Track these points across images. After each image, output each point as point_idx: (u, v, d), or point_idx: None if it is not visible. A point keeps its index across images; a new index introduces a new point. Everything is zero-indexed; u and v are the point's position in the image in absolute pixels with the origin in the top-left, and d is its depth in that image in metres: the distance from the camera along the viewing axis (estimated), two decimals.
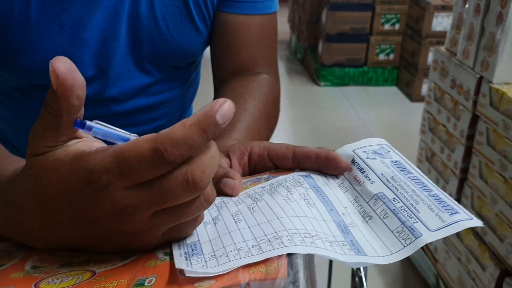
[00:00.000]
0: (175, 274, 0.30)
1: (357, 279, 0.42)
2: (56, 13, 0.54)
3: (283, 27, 4.05)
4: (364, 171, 0.39)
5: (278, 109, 0.69)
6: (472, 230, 1.31)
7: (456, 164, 1.40)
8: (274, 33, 0.69)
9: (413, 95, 3.05)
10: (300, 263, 0.30)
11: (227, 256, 0.31)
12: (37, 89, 0.61)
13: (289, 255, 0.31)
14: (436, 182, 1.52)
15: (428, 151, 1.59)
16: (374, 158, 0.40)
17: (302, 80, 3.45)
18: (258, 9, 0.65)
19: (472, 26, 1.32)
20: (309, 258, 0.32)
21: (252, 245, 0.32)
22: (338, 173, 0.41)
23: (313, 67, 3.40)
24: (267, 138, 0.63)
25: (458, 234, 1.39)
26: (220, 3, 0.64)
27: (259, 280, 0.29)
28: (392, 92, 3.26)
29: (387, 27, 3.14)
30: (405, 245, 0.33)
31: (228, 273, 0.30)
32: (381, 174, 0.39)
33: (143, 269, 0.31)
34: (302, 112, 2.98)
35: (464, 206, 1.37)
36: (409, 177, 0.38)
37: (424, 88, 3.01)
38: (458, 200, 1.41)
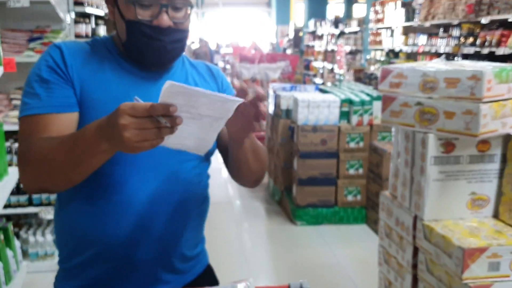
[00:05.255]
0: None
1: None
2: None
3: None
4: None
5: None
6: None
7: None
8: None
9: None
10: None
11: None
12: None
13: None
14: None
15: (386, 280, 1.82)
16: None
17: (280, 220, 3.73)
18: None
19: (405, 175, 1.67)
20: None
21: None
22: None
23: (290, 207, 3.71)
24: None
25: None
26: None
27: None
28: (362, 230, 3.54)
29: (351, 171, 3.55)
30: None
31: None
32: None
33: None
34: (281, 250, 3.21)
35: None
36: None
37: None
38: None
